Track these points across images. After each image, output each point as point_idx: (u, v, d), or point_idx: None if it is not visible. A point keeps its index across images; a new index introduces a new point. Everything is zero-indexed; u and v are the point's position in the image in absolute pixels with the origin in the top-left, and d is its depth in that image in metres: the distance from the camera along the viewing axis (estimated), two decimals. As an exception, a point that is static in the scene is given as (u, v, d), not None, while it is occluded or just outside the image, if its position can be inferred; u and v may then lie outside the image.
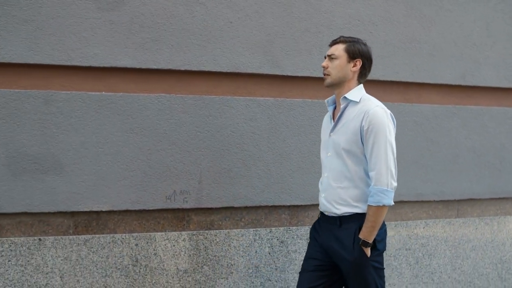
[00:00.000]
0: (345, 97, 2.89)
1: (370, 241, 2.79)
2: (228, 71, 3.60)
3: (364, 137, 2.80)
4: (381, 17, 3.96)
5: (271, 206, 3.71)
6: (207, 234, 3.57)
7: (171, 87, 3.52)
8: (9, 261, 3.24)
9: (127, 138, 3.42)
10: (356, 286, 2.87)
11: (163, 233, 3.50)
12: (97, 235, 3.39)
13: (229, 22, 3.61)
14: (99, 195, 3.37)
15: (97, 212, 3.41)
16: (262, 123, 3.67)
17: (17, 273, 3.25)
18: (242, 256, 3.64)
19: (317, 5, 3.79)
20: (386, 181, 2.77)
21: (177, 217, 3.55)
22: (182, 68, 3.51)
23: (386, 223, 3.87)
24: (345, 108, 2.90)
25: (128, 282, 3.43)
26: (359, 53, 2.89)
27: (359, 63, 2.90)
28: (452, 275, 4.15)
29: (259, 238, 3.67)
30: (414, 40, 4.03)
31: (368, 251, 2.80)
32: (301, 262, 3.27)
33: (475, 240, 4.21)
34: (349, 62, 2.89)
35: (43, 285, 3.29)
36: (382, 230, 2.89)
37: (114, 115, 3.40)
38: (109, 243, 3.40)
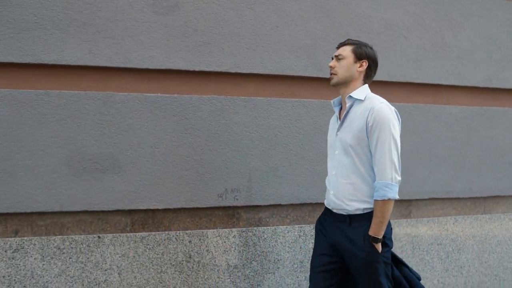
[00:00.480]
0: (350, 96, 2.95)
1: (380, 237, 2.83)
2: (275, 73, 3.73)
3: (369, 133, 2.85)
4: (414, 23, 4.13)
5: (315, 204, 3.85)
6: (255, 230, 3.69)
7: (222, 89, 3.63)
8: (70, 258, 3.33)
9: (182, 138, 3.53)
10: (367, 282, 2.89)
11: (214, 230, 3.61)
12: (153, 233, 3.49)
13: (275, 27, 3.74)
14: (155, 194, 3.47)
15: (153, 210, 3.51)
16: (307, 124, 3.81)
17: (77, 270, 3.34)
18: (288, 252, 3.78)
19: (357, 11, 3.94)
20: (390, 175, 2.81)
21: (227, 215, 3.67)
22: (233, 71, 3.63)
23: (419, 219, 4.06)
24: (350, 107, 2.95)
25: (182, 278, 3.54)
26: (365, 54, 2.98)
27: (365, 64, 2.98)
28: (479, 269, 4.35)
29: (303, 234, 3.81)
30: (444, 44, 4.21)
31: (379, 247, 2.84)
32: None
33: (500, 236, 4.41)
34: (355, 62, 2.97)
35: (102, 281, 3.38)
36: (389, 229, 2.92)
37: (170, 116, 3.50)
38: (164, 240, 3.50)
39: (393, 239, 3.01)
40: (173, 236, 3.52)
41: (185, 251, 3.54)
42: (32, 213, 3.29)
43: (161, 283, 3.49)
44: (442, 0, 4.20)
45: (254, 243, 3.69)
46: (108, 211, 3.42)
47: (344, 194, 2.91)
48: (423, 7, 4.15)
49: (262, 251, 3.71)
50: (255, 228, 3.70)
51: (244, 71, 3.66)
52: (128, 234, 3.43)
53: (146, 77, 3.48)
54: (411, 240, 4.12)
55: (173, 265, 3.52)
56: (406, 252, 4.10)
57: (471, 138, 4.29)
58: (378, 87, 4.03)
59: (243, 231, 3.67)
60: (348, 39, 3.06)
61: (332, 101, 3.10)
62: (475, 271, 4.33)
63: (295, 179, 3.78)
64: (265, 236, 3.72)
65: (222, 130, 3.62)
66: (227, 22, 3.62)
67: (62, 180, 3.30)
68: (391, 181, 2.81)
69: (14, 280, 3.23)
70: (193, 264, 3.56)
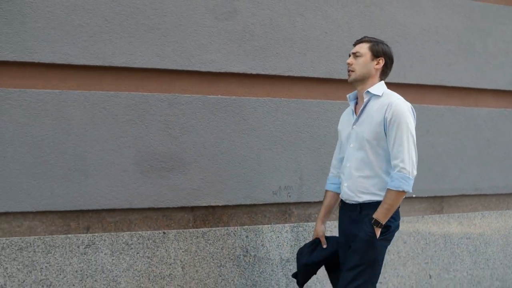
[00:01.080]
0: (368, 91, 3.00)
1: (382, 223, 2.87)
2: (324, 77, 3.93)
3: (387, 127, 2.91)
4: (445, 29, 4.38)
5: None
6: (306, 226, 3.89)
7: (276, 91, 3.82)
8: (137, 253, 3.47)
9: (240, 138, 3.70)
10: (352, 262, 2.91)
11: (269, 225, 3.80)
12: (213, 228, 3.65)
13: (324, 32, 3.94)
14: (216, 191, 3.64)
15: (213, 207, 3.68)
16: (352, 125, 4.03)
17: (144, 264, 3.48)
18: (335, 246, 3.98)
19: (396, 17, 4.17)
20: (409, 169, 2.87)
21: (280, 211, 3.86)
22: (286, 74, 3.82)
23: (450, 214, 4.30)
24: (368, 101, 3.01)
25: (239, 272, 3.71)
26: (382, 52, 3.04)
27: (382, 62, 3.03)
28: (504, 261, 4.62)
29: (348, 229, 4.02)
30: (472, 49, 4.47)
31: (378, 232, 2.88)
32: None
33: (522, 230, 4.70)
34: (372, 60, 3.02)
35: (166, 275, 3.53)
36: (396, 223, 2.99)
37: (229, 117, 3.67)
38: (223, 235, 3.67)
39: (395, 235, 3.08)
40: (231, 231, 3.68)
41: (242, 245, 3.71)
42: (102, 210, 3.42)
43: (220, 276, 3.66)
44: (470, 9, 4.46)
45: (304, 237, 3.88)
46: (173, 208, 3.57)
47: (356, 187, 2.99)
48: (454, 14, 4.40)
49: (312, 246, 3.91)
50: (305, 223, 3.89)
51: (296, 75, 3.85)
52: (190, 230, 3.59)
53: (207, 79, 3.64)
54: (444, 235, 4.37)
55: (232, 259, 3.69)
56: (439, 246, 4.35)
57: (497, 139, 4.56)
58: (413, 89, 4.28)
59: (295, 226, 3.86)
60: (365, 37, 3.12)
61: (348, 95, 3.16)
62: (500, 264, 4.61)
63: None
64: (315, 231, 3.92)
65: (276, 130, 3.80)
66: (280, 28, 3.81)
67: (130, 178, 3.44)
68: (408, 175, 2.87)
69: (86, 274, 3.35)
70: (250, 258, 3.74)
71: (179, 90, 3.58)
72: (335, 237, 3.24)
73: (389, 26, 4.15)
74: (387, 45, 3.08)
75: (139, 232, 3.48)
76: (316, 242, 3.21)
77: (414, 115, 3.00)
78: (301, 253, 3.22)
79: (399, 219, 3.03)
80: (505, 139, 4.60)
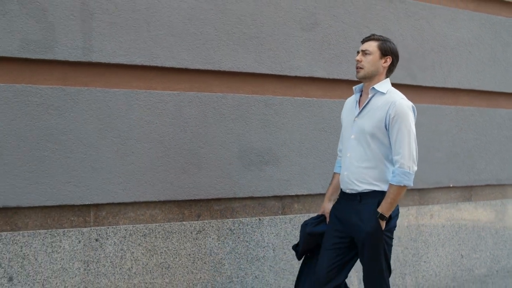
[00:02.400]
0: (374, 88, 3.15)
1: (387, 216, 3.04)
2: (384, 81, 4.47)
3: (389, 124, 3.05)
4: (475, 40, 5.02)
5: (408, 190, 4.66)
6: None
7: (350, 94, 4.31)
8: (238, 237, 3.89)
9: (320, 135, 4.18)
10: (368, 256, 3.11)
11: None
12: (298, 215, 4.11)
13: (384, 42, 4.48)
14: (301, 182, 4.10)
15: (298, 196, 4.14)
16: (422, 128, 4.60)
17: (243, 247, 3.90)
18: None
19: (438, 30, 4.77)
20: (409, 164, 3.03)
21: (350, 199, 4.37)
22: (355, 79, 4.32)
23: (478, 202, 4.94)
24: (372, 97, 3.15)
25: (318, 253, 4.20)
26: (390, 50, 3.17)
27: (389, 60, 3.17)
28: (517, 242, 5.34)
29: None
30: (495, 58, 5.13)
31: (383, 224, 3.05)
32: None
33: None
34: (381, 58, 3.15)
35: (261, 257, 3.97)
36: (396, 210, 3.16)
37: (311, 116, 4.14)
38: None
39: (397, 224, 3.39)
40: (312, 217, 4.16)
41: (320, 230, 4.20)
42: (211, 199, 3.82)
43: (303, 257, 4.13)
44: (494, 22, 5.12)
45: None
46: (266, 197, 4.01)
47: (355, 177, 3.13)
48: (481, 27, 5.05)
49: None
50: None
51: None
52: (280, 217, 4.04)
53: (293, 83, 4.10)
54: (472, 220, 5.01)
55: (312, 242, 4.17)
56: (467, 230, 4.99)
57: (513, 136, 5.27)
58: (449, 93, 4.89)
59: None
60: (373, 34, 3.23)
61: (354, 87, 3.31)
62: (515, 244, 5.33)
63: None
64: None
65: (348, 129, 4.30)
66: (350, 38, 4.31)
67: (234, 171, 3.85)
68: (409, 170, 3.03)
69: (197, 257, 3.75)
70: (326, 241, 4.22)
71: (272, 92, 4.01)
72: None
73: (432, 37, 4.74)
74: (393, 44, 3.22)
75: (240, 219, 3.90)
76: (321, 217, 3.37)
77: (415, 114, 3.15)
78: (306, 224, 3.35)
79: (396, 214, 3.19)
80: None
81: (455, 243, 4.92)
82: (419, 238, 4.70)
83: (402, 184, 3.04)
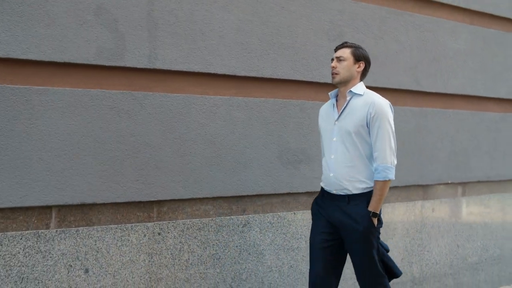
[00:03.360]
0: (351, 91, 3.33)
1: (378, 212, 3.23)
2: (392, 87, 4.95)
3: (370, 122, 3.25)
4: (470, 51, 5.56)
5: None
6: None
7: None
8: (277, 230, 4.24)
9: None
10: (361, 254, 3.27)
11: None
12: (326, 209, 4.50)
13: (395, 52, 4.94)
14: (329, 179, 4.49)
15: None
16: (409, 127, 5.07)
17: (281, 239, 4.26)
18: (402, 223, 5.01)
19: (440, 40, 5.27)
20: (390, 159, 3.23)
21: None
22: (376, 84, 4.77)
23: (470, 197, 5.48)
24: (350, 99, 3.33)
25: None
26: (363, 56, 3.39)
27: (362, 65, 3.38)
28: (502, 234, 5.91)
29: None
30: (486, 67, 5.70)
31: (375, 221, 3.24)
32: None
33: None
34: (354, 63, 3.36)
35: (295, 248, 4.33)
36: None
37: (337, 119, 4.55)
38: (332, 215, 4.53)
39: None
40: (338, 212, 4.56)
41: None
42: (254, 195, 4.15)
43: (330, 248, 4.52)
44: (485, 35, 5.68)
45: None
46: (300, 193, 4.38)
47: (343, 176, 3.30)
48: (475, 39, 5.59)
49: (388, 222, 4.90)
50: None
51: (380, 85, 4.82)
52: (308, 211, 4.41)
53: (323, 89, 4.48)
54: (466, 213, 5.55)
55: (338, 234, 4.57)
56: (463, 222, 5.52)
57: (499, 138, 5.84)
58: (448, 98, 5.40)
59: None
60: (346, 42, 3.45)
61: (329, 93, 3.51)
62: (500, 236, 5.90)
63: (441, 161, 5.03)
64: (390, 211, 4.91)
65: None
66: (369, 48, 4.72)
67: (275, 169, 4.20)
68: (391, 165, 3.23)
69: (243, 248, 4.08)
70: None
71: (306, 97, 4.39)
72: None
73: (435, 47, 5.24)
74: (365, 50, 3.44)
75: (278, 213, 4.25)
76: None
77: (392, 111, 3.35)
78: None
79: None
80: (506, 139, 5.90)
81: (452, 234, 5.43)
82: (423, 230, 5.18)
83: (387, 179, 3.23)
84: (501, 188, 5.91)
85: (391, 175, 3.24)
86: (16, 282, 3.22)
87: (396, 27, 4.96)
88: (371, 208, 3.25)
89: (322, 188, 3.48)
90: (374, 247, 3.29)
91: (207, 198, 3.94)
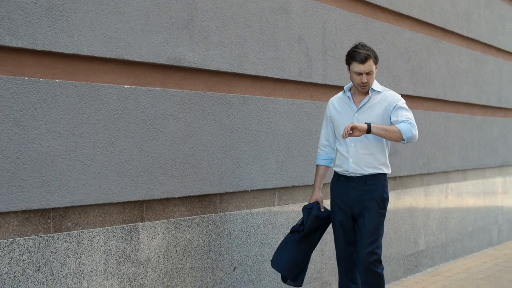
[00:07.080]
0: (372, 88, 3.65)
1: (372, 130, 3.48)
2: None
3: (392, 110, 3.59)
4: (465, 67, 6.18)
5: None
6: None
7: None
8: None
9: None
10: (371, 219, 3.58)
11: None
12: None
13: (407, 59, 5.44)
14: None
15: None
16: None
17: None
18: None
19: (450, 60, 5.92)
20: (414, 123, 3.56)
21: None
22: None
23: (474, 180, 6.31)
24: (371, 95, 3.65)
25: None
26: (378, 59, 3.65)
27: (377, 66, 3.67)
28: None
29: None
30: (473, 78, 6.42)
31: (363, 128, 3.45)
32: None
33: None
34: (375, 69, 3.63)
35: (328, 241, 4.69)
36: (387, 193, 3.69)
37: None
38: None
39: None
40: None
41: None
42: (292, 187, 4.50)
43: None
44: (473, 54, 6.35)
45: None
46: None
47: (362, 162, 3.64)
48: (468, 59, 6.35)
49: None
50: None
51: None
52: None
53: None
54: (457, 199, 6.37)
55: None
56: (450, 206, 6.30)
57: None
58: (453, 104, 6.11)
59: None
60: (368, 52, 3.57)
61: (345, 87, 3.77)
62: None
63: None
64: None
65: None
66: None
67: (308, 166, 4.58)
68: (414, 123, 3.54)
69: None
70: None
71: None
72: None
73: (446, 65, 6.00)
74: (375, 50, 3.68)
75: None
76: (317, 205, 3.77)
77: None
78: (310, 208, 3.75)
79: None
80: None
81: (440, 215, 6.21)
82: (429, 215, 5.98)
83: (409, 131, 3.50)
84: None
85: (410, 133, 3.50)
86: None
87: (417, 51, 5.45)
88: (372, 123, 3.52)
89: (336, 173, 3.77)
90: (381, 217, 3.63)
91: (251, 191, 4.24)
